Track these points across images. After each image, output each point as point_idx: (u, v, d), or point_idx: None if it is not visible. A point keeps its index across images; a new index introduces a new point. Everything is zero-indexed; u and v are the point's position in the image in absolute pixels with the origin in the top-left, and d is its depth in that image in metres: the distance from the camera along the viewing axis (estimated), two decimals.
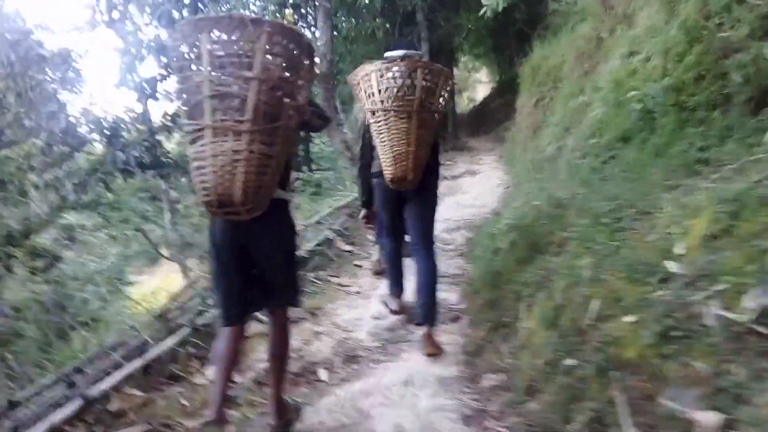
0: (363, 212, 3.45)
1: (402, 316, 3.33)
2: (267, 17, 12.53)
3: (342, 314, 3.45)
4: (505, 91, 15.18)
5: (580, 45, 5.54)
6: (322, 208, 5.27)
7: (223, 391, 2.07)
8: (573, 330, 2.15)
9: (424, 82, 2.73)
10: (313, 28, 10.44)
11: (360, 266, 4.26)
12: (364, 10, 9.64)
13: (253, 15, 1.78)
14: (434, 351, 2.83)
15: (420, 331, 2.94)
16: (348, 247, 4.57)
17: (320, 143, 13.97)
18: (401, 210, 3.13)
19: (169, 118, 7.29)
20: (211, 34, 1.76)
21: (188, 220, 14.89)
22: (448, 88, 2.90)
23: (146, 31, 6.48)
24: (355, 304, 3.64)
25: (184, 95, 1.80)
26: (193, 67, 1.76)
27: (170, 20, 5.89)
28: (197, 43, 1.75)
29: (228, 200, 1.74)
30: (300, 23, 11.76)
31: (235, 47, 1.75)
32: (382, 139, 2.79)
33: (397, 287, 3.36)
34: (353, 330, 3.23)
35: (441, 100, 2.85)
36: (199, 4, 5.84)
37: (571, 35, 6.65)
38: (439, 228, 5.24)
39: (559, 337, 2.15)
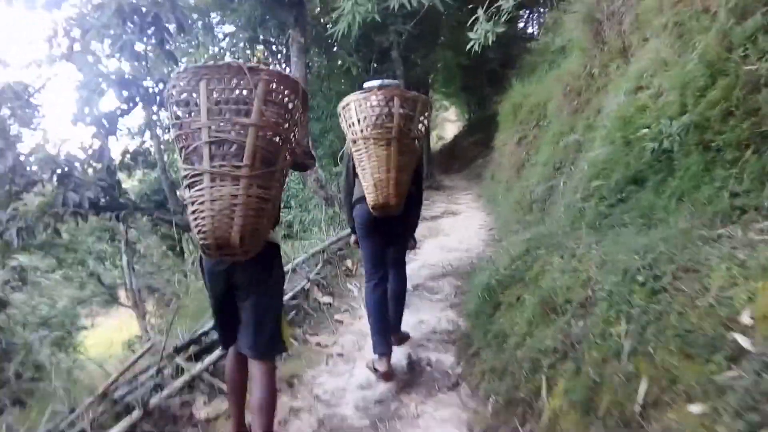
0: (353, 237, 3.42)
1: (392, 383, 2.94)
2: (237, 54, 12.27)
3: (323, 383, 2.97)
4: (476, 129, 15.19)
5: (568, 82, 5.33)
6: (296, 254, 4.79)
7: (240, 418, 2.25)
8: (618, 418, 1.75)
9: (401, 110, 2.81)
10: (285, 65, 10.16)
11: (341, 322, 3.80)
12: (338, 47, 9.40)
13: (250, 63, 1.83)
14: (397, 342, 3.25)
15: None
16: (327, 299, 4.09)
17: (290, 180, 13.56)
18: (386, 239, 3.18)
19: (129, 155, 6.79)
20: (210, 82, 1.79)
21: (149, 260, 14.14)
22: (426, 114, 2.97)
23: (107, 63, 6.06)
24: (338, 369, 3.16)
25: (183, 141, 1.82)
26: (192, 113, 1.80)
27: (133, 52, 5.48)
28: (196, 90, 1.80)
29: (225, 243, 1.77)
30: (271, 60, 11.49)
31: (233, 94, 1.80)
32: (363, 167, 2.83)
33: (383, 345, 3.03)
34: (337, 404, 2.75)
35: (420, 126, 2.92)
36: (165, 35, 5.46)
37: (555, 72, 6.49)
38: (423, 275, 4.88)
39: (604, 428, 1.75)
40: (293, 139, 1.94)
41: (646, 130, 3.06)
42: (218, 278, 2.08)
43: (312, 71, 10.66)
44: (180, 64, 10.61)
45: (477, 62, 13.85)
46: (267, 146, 1.82)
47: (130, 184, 15.31)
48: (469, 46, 4.98)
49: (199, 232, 1.79)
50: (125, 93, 5.63)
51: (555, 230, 3.44)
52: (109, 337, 11.33)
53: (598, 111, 4.57)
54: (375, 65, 9.75)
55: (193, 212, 1.78)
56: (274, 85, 1.85)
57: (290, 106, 1.89)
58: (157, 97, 5.95)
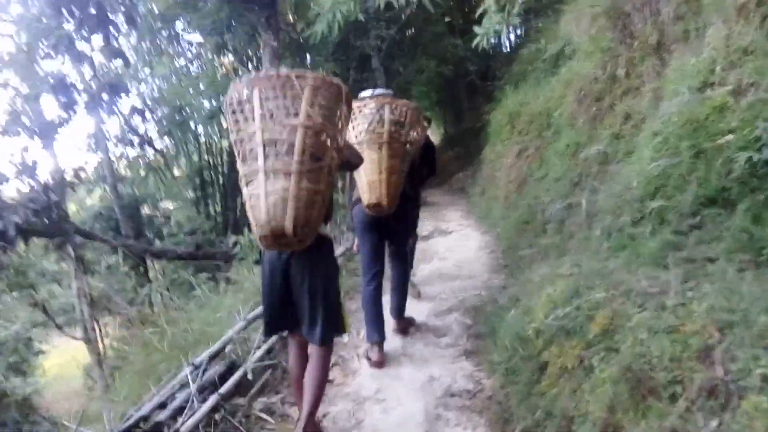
0: (356, 242, 3.63)
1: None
2: (203, 63, 11.38)
3: None
4: (456, 143, 14.58)
5: (581, 86, 4.66)
6: None
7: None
8: None
9: (391, 116, 3.08)
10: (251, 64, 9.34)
11: (330, 381, 2.96)
12: (313, 53, 8.62)
13: (298, 71, 2.08)
14: (403, 330, 3.49)
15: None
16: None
17: None
18: (381, 239, 3.37)
19: (72, 172, 5.84)
20: (263, 90, 2.00)
21: (112, 279, 13.00)
22: (418, 121, 3.22)
23: (47, 65, 5.15)
24: None
25: (240, 145, 2.04)
26: (247, 119, 2.02)
27: (72, 50, 4.58)
28: (250, 97, 2.01)
29: (280, 232, 1.95)
30: (240, 70, 10.62)
31: (283, 99, 2.00)
32: (358, 170, 2.94)
33: (376, 333, 3.24)
34: None
35: (412, 132, 3.18)
36: (112, 30, 4.60)
37: (557, 78, 5.84)
38: (424, 311, 4.09)
39: None
40: (339, 138, 2.15)
41: (730, 137, 2.36)
42: (277, 270, 2.22)
43: None
44: (138, 68, 9.76)
45: (456, 75, 13.33)
46: (315, 144, 2.00)
47: (90, 202, 14.19)
48: (475, 42, 4.30)
49: (256, 225, 1.98)
50: (63, 99, 4.71)
51: (603, 264, 2.69)
52: (71, 358, 10.36)
53: (626, 117, 3.90)
54: (353, 73, 9.00)
55: (252, 207, 1.99)
56: (320, 89, 2.03)
57: (335, 107, 2.09)
58: (104, 104, 5.06)
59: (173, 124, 7.80)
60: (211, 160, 14.59)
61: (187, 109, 8.26)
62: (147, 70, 10.18)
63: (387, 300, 3.49)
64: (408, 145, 3.15)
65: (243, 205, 9.68)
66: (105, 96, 4.96)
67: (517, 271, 4.44)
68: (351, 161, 2.42)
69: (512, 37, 15.43)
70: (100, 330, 10.76)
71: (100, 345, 9.46)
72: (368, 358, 3.18)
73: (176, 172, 14.86)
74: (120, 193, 12.08)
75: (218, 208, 14.28)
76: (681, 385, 1.64)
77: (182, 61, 11.26)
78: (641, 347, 1.84)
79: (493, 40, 3.51)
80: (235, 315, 3.23)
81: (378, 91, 3.25)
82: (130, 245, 6.46)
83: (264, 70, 7.34)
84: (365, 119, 3.07)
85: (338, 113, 2.12)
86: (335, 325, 2.32)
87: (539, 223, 4.63)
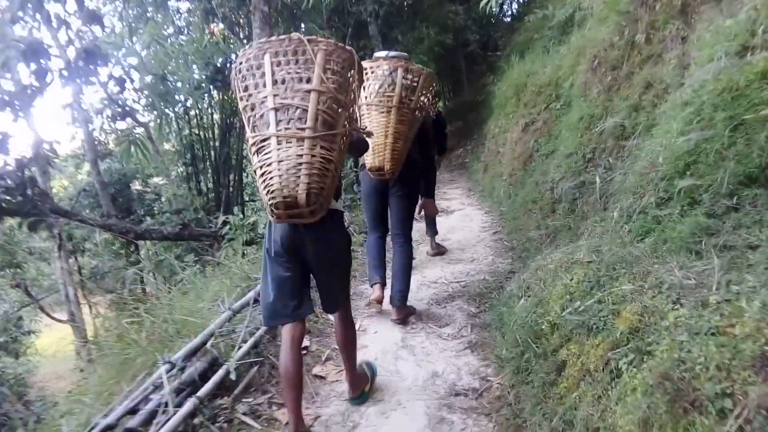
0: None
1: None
2: (193, 31, 10.91)
3: None
4: (455, 116, 14.23)
5: (595, 54, 4.35)
6: (252, 285, 3.68)
7: (297, 414, 2.10)
8: None
9: (404, 81, 3.03)
10: (247, 42, 8.94)
11: (323, 378, 2.74)
12: (307, 20, 8.22)
13: (310, 36, 1.97)
14: (401, 318, 3.29)
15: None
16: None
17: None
18: (384, 202, 3.40)
19: (48, 147, 5.52)
20: (274, 54, 1.96)
21: (103, 256, 12.74)
22: (429, 88, 3.16)
23: (17, 30, 4.80)
24: None
25: (250, 111, 1.96)
26: (258, 84, 1.95)
27: (43, 12, 4.24)
28: (261, 62, 1.96)
29: (293, 202, 1.87)
30: (231, 39, 10.18)
31: (295, 64, 1.95)
32: None
33: (376, 276, 3.45)
34: None
35: (422, 98, 3.11)
36: None
37: (568, 46, 5.52)
38: (424, 298, 3.86)
39: None
40: (351, 108, 2.10)
41: None
42: (289, 247, 2.11)
43: None
44: (123, 36, 9.31)
45: (456, 45, 12.91)
46: (327, 110, 1.94)
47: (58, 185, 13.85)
48: (482, 4, 3.98)
49: (268, 193, 1.89)
50: (33, 66, 4.37)
51: (626, 250, 2.44)
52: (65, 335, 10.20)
53: (646, 87, 3.61)
54: (350, 42, 8.61)
55: (262, 175, 1.89)
56: (332, 55, 1.98)
57: (347, 74, 2.04)
58: (81, 72, 4.72)
59: (156, 95, 7.43)
60: (202, 134, 14.24)
61: (172, 78, 7.86)
62: (134, 39, 9.75)
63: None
64: (417, 112, 3.12)
65: (236, 181, 9.39)
66: (81, 64, 4.63)
67: (524, 254, 4.21)
68: (358, 145, 2.38)
69: (515, 5, 15.08)
70: (90, 309, 10.57)
71: (90, 326, 9.26)
72: (370, 300, 3.46)
73: (166, 146, 14.52)
74: (102, 170, 11.79)
75: (210, 185, 13.99)
76: (732, 399, 1.41)
77: (170, 30, 10.83)
78: (680, 351, 1.60)
79: (496, 7, 3.21)
80: (219, 304, 2.99)
81: (393, 53, 3.21)
82: (111, 225, 6.18)
83: (255, 36, 7.01)
84: (377, 80, 3.05)
85: (350, 80, 2.07)
86: (347, 292, 2.43)
87: (548, 203, 4.38)
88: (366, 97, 3.03)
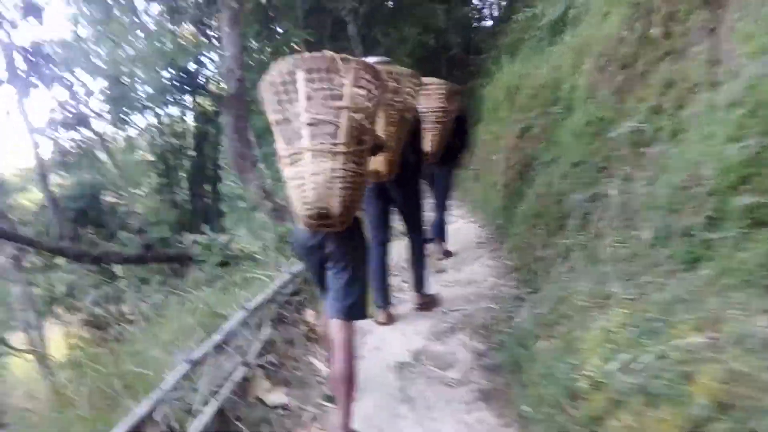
0: None
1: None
2: (166, 37, 10.31)
3: None
4: None
5: (603, 50, 3.93)
6: (227, 309, 3.15)
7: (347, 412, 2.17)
8: None
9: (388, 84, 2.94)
10: (218, 43, 8.40)
11: None
12: (281, 17, 7.69)
13: (341, 55, 2.08)
14: (423, 306, 3.57)
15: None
16: (278, 397, 2.50)
17: (232, 183, 11.73)
18: (385, 204, 3.45)
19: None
20: (307, 71, 2.05)
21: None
22: (412, 87, 3.23)
23: None
24: None
25: (285, 123, 2.08)
26: (292, 100, 2.06)
27: None
28: (294, 78, 2.05)
29: (326, 213, 2.05)
30: (202, 41, 9.62)
31: (328, 81, 2.05)
32: None
33: (383, 299, 3.45)
34: None
35: (408, 98, 3.20)
36: None
37: (572, 42, 5.11)
38: (422, 330, 3.39)
39: None
40: (375, 120, 2.26)
41: None
42: (312, 250, 2.28)
43: (251, 51, 8.89)
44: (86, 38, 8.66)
45: (437, 48, 12.55)
46: (358, 126, 2.08)
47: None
48: None
49: (303, 204, 2.05)
50: None
51: (676, 284, 2.00)
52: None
53: (666, 86, 3.19)
54: (327, 42, 8.12)
55: (297, 187, 2.06)
56: (361, 72, 2.10)
57: (373, 91, 2.15)
58: (24, 74, 4.14)
59: (112, 99, 6.82)
60: (176, 143, 13.63)
61: (129, 81, 7.25)
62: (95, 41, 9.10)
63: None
64: (405, 113, 3.19)
65: (212, 192, 8.81)
66: (24, 65, 4.06)
67: (531, 277, 3.75)
68: (377, 145, 2.48)
69: (495, 10, 14.87)
70: (62, 329, 9.89)
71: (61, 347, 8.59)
72: (376, 319, 3.41)
73: (138, 157, 13.90)
74: (72, 182, 11.08)
75: (185, 196, 13.39)
76: None
77: (138, 31, 10.22)
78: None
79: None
80: (176, 353, 2.45)
81: (374, 58, 3.16)
82: (63, 248, 5.58)
83: (224, 36, 6.52)
84: None
85: (375, 96, 2.17)
86: (363, 304, 2.38)
87: (555, 217, 3.92)
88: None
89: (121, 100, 6.73)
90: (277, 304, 3.29)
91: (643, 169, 3.19)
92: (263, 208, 5.68)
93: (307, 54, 2.11)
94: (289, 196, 2.12)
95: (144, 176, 13.64)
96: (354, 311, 2.29)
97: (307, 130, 2.02)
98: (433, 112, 4.35)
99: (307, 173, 2.01)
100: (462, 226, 5.82)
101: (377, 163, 3.07)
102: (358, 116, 2.06)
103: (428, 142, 4.24)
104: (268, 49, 8.80)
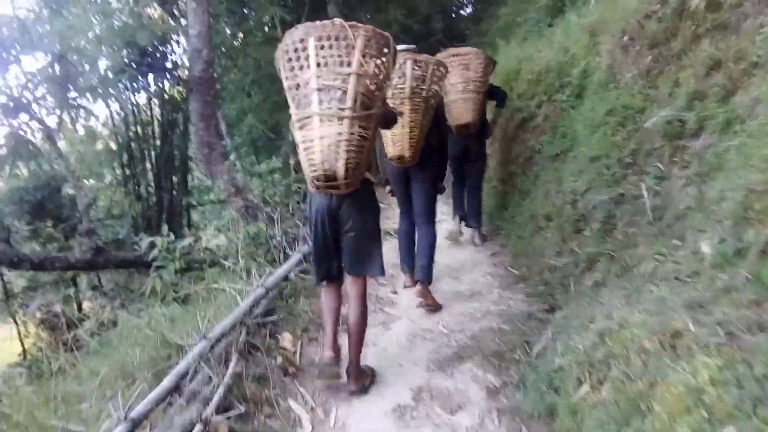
0: (387, 188, 3.86)
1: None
2: (123, 12, 9.51)
3: None
4: None
5: (626, 27, 3.44)
6: (186, 339, 2.56)
7: (334, 336, 2.52)
8: None
9: (414, 71, 3.25)
10: (183, 19, 7.70)
11: None
12: None
13: (351, 23, 2.12)
14: (428, 304, 3.39)
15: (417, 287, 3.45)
16: None
17: (201, 175, 11.02)
18: (408, 186, 3.60)
19: None
20: (318, 38, 2.13)
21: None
22: (438, 75, 3.37)
23: None
24: None
25: (295, 90, 2.21)
26: (303, 66, 2.16)
27: None
28: (306, 45, 2.14)
29: (332, 175, 2.16)
30: (170, 24, 8.86)
31: (337, 49, 2.12)
32: None
33: (408, 264, 3.76)
34: None
35: (433, 86, 3.33)
36: None
37: (571, 24, 4.61)
38: (422, 357, 2.85)
39: None
40: (385, 88, 2.34)
41: None
42: (326, 214, 2.36)
43: (223, 39, 8.19)
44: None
45: (421, 33, 12.05)
46: (365, 92, 2.17)
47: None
48: None
49: (310, 165, 2.19)
50: None
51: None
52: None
53: (713, 66, 2.69)
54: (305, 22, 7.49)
55: (306, 150, 2.18)
56: (371, 40, 2.17)
57: (383, 58, 2.24)
58: None
59: (51, 81, 6.02)
60: (141, 131, 12.84)
61: (85, 62, 6.44)
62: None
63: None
64: (430, 100, 3.31)
65: (180, 184, 8.15)
66: None
67: (544, 289, 3.26)
68: (390, 118, 2.60)
69: None
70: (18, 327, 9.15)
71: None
72: (403, 284, 3.82)
73: (99, 146, 13.09)
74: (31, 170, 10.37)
75: (150, 189, 12.62)
76: None
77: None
78: None
79: None
80: (111, 409, 1.86)
81: (401, 46, 3.17)
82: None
83: (190, 12, 5.86)
84: None
85: (386, 64, 2.25)
86: (380, 262, 2.51)
87: (569, 220, 3.43)
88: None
89: (66, 81, 5.93)
90: (247, 327, 2.72)
91: (685, 166, 2.71)
92: (233, 205, 5.07)
93: (318, 22, 2.15)
94: (300, 158, 2.24)
95: (107, 167, 12.83)
96: (369, 267, 2.48)
97: (316, 95, 2.12)
98: (474, 81, 4.37)
99: (315, 137, 2.12)
100: (454, 227, 5.29)
101: (402, 148, 3.27)
102: (366, 82, 2.15)
103: (470, 111, 4.34)
104: (240, 34, 8.13)
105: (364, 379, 2.51)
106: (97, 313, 3.92)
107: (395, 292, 3.83)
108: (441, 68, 3.36)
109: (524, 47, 5.73)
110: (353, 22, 2.15)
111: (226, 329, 2.55)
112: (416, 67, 3.22)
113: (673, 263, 2.33)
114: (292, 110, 2.22)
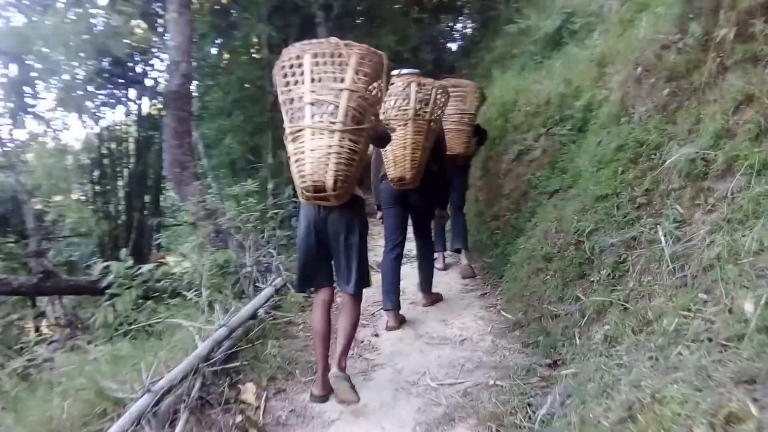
0: (379, 214, 3.81)
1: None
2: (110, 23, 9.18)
3: None
4: None
5: (639, 59, 3.22)
6: (129, 392, 2.15)
7: (325, 369, 2.51)
8: None
9: (417, 94, 3.33)
10: (164, 32, 7.39)
11: None
12: (240, 8, 6.75)
13: (345, 41, 2.25)
14: (429, 303, 3.86)
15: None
16: None
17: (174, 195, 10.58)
18: (405, 211, 3.62)
19: None
20: (313, 55, 2.24)
21: None
22: (442, 99, 3.46)
23: None
24: None
25: (289, 104, 2.30)
26: (297, 81, 2.27)
27: None
28: (301, 62, 2.26)
29: (321, 186, 2.23)
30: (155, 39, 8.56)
31: (332, 65, 2.23)
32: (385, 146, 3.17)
33: (389, 302, 3.52)
34: None
35: (436, 109, 3.43)
36: None
37: (570, 56, 4.42)
38: (406, 415, 2.35)
39: None
40: (378, 105, 2.45)
41: None
42: (314, 225, 2.47)
43: (204, 47, 7.89)
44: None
45: (412, 62, 12.02)
46: (357, 107, 2.25)
47: None
48: None
49: (300, 176, 2.27)
50: None
51: None
52: None
53: (743, 100, 2.45)
54: (292, 42, 7.26)
55: (296, 161, 2.26)
56: (365, 58, 2.25)
57: (376, 75, 2.31)
58: None
59: (9, 86, 5.56)
60: (115, 147, 12.43)
61: (47, 68, 6.01)
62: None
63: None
64: (432, 123, 3.38)
65: (152, 204, 7.76)
66: None
67: (544, 339, 2.93)
68: (382, 137, 2.71)
69: (469, 29, 14.61)
70: None
71: None
72: (387, 326, 3.51)
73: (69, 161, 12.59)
74: None
75: (120, 207, 12.14)
76: None
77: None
78: None
79: None
80: None
81: (405, 69, 3.48)
82: None
83: (171, 22, 5.57)
84: (392, 96, 3.30)
85: (379, 82, 2.35)
86: (366, 277, 2.61)
87: (572, 262, 3.12)
88: (383, 113, 3.19)
89: (18, 85, 5.47)
90: (203, 376, 2.31)
91: (710, 210, 2.43)
92: (202, 230, 4.67)
93: (314, 40, 2.29)
94: (291, 170, 2.31)
95: (76, 183, 12.32)
96: (359, 285, 2.55)
97: (309, 109, 2.22)
98: (468, 114, 4.42)
99: (306, 148, 2.21)
100: (438, 264, 4.95)
101: (403, 169, 3.32)
102: (358, 98, 2.23)
103: (462, 144, 4.38)
104: (225, 54, 7.83)
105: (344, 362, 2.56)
106: (31, 348, 3.47)
107: (377, 335, 3.46)
108: (444, 94, 3.46)
109: (521, 79, 5.53)
110: (348, 41, 2.26)
111: (176, 380, 2.15)
112: (419, 91, 3.30)
113: (703, 321, 2.01)
114: (286, 124, 2.31)
